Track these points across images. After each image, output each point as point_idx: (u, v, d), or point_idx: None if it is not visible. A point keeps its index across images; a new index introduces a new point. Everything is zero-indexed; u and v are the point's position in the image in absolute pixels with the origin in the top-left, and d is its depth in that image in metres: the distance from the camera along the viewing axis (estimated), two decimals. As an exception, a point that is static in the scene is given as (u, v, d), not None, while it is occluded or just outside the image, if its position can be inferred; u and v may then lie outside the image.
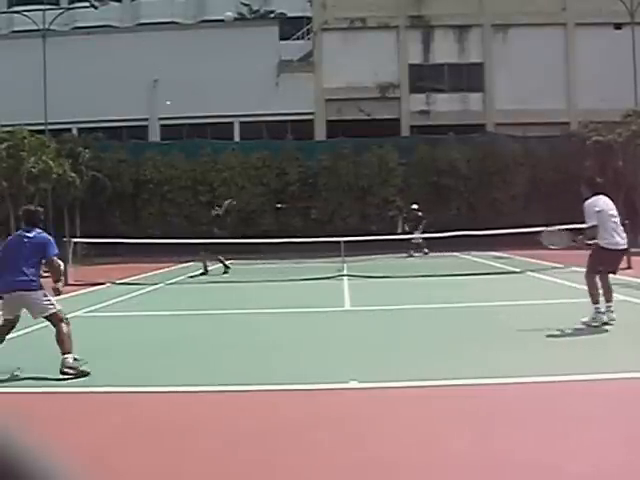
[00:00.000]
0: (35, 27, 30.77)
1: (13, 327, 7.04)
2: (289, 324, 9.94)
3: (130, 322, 10.58)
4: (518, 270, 17.00)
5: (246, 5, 40.75)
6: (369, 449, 4.28)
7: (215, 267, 18.66)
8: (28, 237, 6.98)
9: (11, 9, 40.00)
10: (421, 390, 5.67)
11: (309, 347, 8.00)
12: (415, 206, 24.80)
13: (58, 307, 6.91)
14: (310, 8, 35.37)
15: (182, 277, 17.91)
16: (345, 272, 17.08)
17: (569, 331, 8.44)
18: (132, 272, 18.82)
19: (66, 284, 16.22)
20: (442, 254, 21.79)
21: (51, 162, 25.21)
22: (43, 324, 9.98)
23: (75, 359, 6.69)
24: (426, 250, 23.40)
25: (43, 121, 28.58)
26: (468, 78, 33.67)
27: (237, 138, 33.17)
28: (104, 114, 31.64)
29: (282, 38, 34.62)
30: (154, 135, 33.81)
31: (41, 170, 24.74)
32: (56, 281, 7.05)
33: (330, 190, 29.10)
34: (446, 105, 33.17)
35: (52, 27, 31.07)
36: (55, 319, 6.84)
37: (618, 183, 27.73)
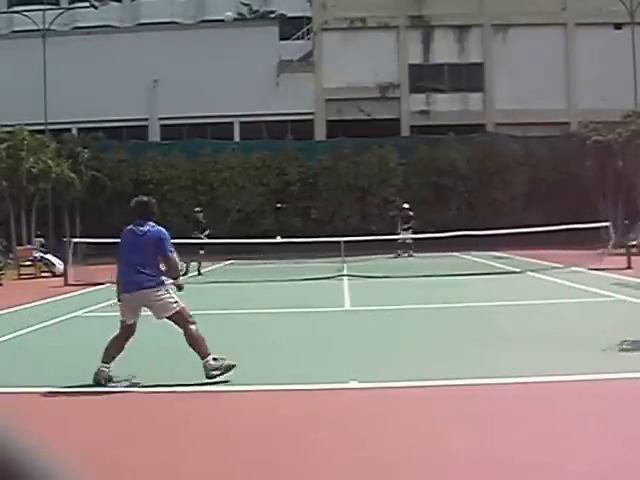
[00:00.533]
0: (35, 27, 30.76)
1: (132, 333, 6.55)
2: (289, 324, 9.94)
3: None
4: (518, 270, 17.00)
5: (246, 5, 40.75)
6: (369, 449, 4.28)
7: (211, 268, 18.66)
8: (142, 232, 6.60)
9: (11, 9, 39.98)
10: (421, 390, 5.67)
11: (309, 347, 8.00)
12: (406, 205, 24.79)
13: (181, 304, 6.42)
14: (310, 8, 35.37)
15: (182, 277, 17.87)
16: (345, 272, 17.07)
17: (569, 331, 8.44)
18: (132, 272, 18.79)
19: (66, 284, 16.29)
20: (442, 254, 21.78)
21: (50, 162, 25.22)
22: (30, 329, 9.99)
23: (214, 359, 6.22)
24: (411, 252, 23.25)
25: (43, 121, 28.58)
26: (468, 78, 33.67)
27: (237, 138, 33.16)
28: (104, 114, 31.63)
29: (282, 38, 34.61)
30: (154, 135, 33.80)
31: (41, 170, 24.74)
32: (174, 278, 6.68)
33: (330, 190, 29.11)
34: (446, 105, 33.17)
35: (52, 27, 31.06)
36: (181, 319, 6.37)
37: (618, 183, 27.78)
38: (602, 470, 3.83)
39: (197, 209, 20.07)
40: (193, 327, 6.36)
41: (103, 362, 6.27)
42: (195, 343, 6.27)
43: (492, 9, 33.08)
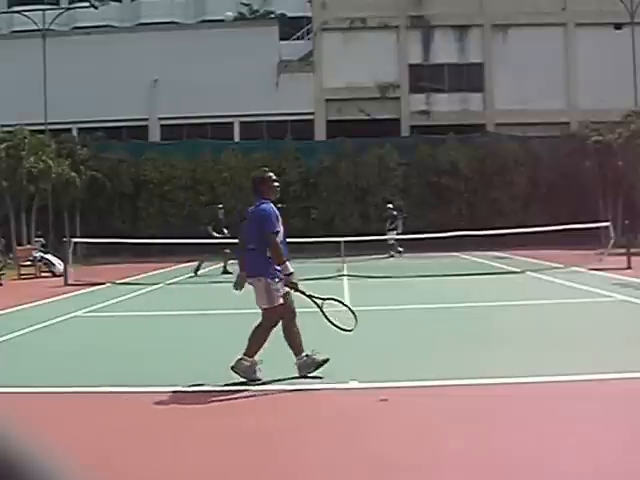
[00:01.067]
0: (35, 27, 30.77)
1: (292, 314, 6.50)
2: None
3: (130, 322, 10.58)
4: (518, 270, 16.99)
5: (246, 5, 40.76)
6: (369, 449, 4.28)
7: (210, 269, 18.64)
8: (250, 211, 6.34)
9: (11, 9, 40.01)
10: (421, 390, 5.67)
11: (309, 347, 7.98)
12: (390, 205, 24.84)
13: (280, 301, 6.20)
14: (310, 8, 35.36)
15: (182, 277, 17.90)
16: (345, 272, 17.07)
17: (569, 331, 8.44)
18: (132, 272, 18.83)
19: (66, 284, 16.30)
20: (442, 254, 21.79)
21: (51, 162, 25.22)
22: (29, 329, 9.99)
23: (307, 355, 6.23)
24: (393, 252, 23.21)
25: (43, 121, 28.60)
26: (468, 78, 33.67)
27: (237, 138, 33.16)
28: (104, 114, 31.64)
29: (282, 38, 34.61)
30: (154, 135, 33.80)
31: (41, 170, 24.75)
32: (278, 264, 6.12)
33: (330, 190, 29.12)
34: (446, 105, 33.17)
35: (52, 27, 31.10)
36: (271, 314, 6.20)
37: (618, 183, 27.77)
38: (602, 470, 3.83)
39: (219, 206, 19.76)
40: (294, 325, 6.41)
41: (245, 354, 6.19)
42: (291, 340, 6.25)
43: (492, 9, 33.08)
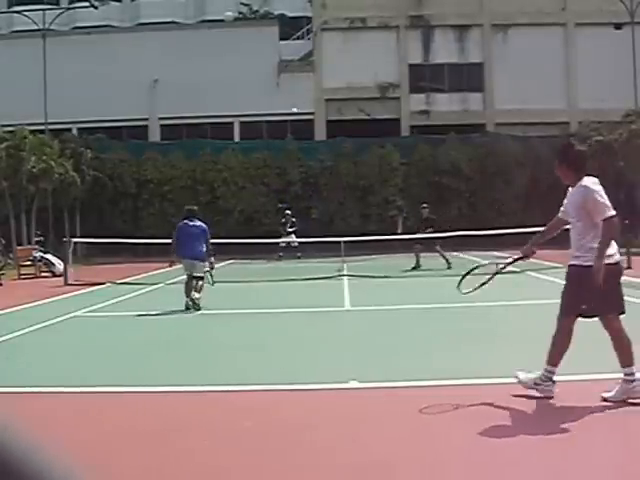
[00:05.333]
0: (35, 27, 30.77)
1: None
2: (289, 324, 9.95)
3: (130, 322, 10.57)
4: (518, 270, 16.96)
5: (246, 5, 40.75)
6: (369, 449, 4.28)
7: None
8: (195, 225, 11.70)
9: (11, 9, 40.01)
10: (421, 390, 5.67)
11: (309, 347, 8.00)
12: (289, 212, 25.44)
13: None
14: (310, 8, 35.38)
15: (183, 277, 17.87)
16: (345, 272, 17.07)
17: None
18: (132, 272, 18.83)
19: (66, 284, 16.30)
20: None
21: (52, 162, 25.21)
22: (29, 329, 9.99)
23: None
24: (280, 254, 23.68)
25: (43, 121, 28.60)
26: (468, 78, 33.67)
27: (237, 138, 33.17)
28: (104, 114, 31.65)
29: (282, 38, 34.62)
30: (154, 135, 33.81)
31: (42, 170, 24.74)
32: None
33: (331, 190, 29.12)
34: (446, 105, 33.18)
35: (52, 27, 31.08)
36: None
37: (618, 183, 27.76)
38: (602, 470, 3.83)
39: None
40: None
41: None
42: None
43: (492, 9, 33.10)
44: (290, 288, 14.87)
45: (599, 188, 5.10)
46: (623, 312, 5.19)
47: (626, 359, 5.03)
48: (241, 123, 33.58)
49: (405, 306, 11.32)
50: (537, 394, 5.25)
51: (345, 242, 18.70)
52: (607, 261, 5.00)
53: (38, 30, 30.35)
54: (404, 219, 25.31)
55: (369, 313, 10.84)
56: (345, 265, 18.10)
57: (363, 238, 19.72)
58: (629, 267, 15.83)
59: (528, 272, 16.41)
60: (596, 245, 4.98)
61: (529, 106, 31.30)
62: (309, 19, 35.65)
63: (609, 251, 5.04)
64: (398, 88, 33.58)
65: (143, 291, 15.01)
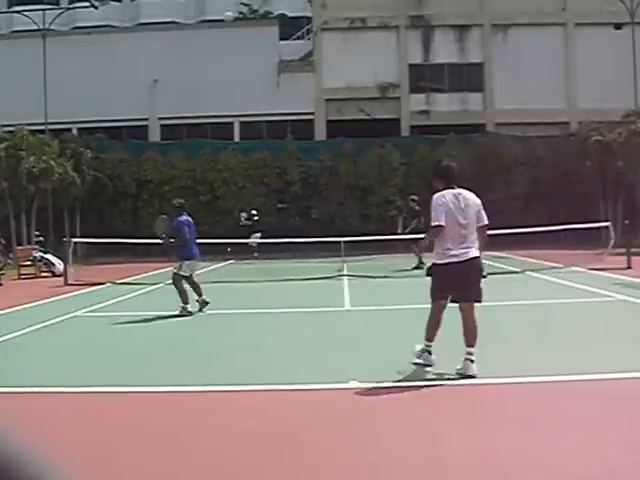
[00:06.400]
0: (35, 27, 30.77)
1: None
2: (289, 324, 9.95)
3: (130, 322, 10.57)
4: (518, 270, 16.99)
5: (246, 5, 40.76)
6: (369, 449, 4.28)
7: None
8: (193, 223, 11.44)
9: (11, 9, 40.01)
10: (421, 390, 5.67)
11: (309, 347, 8.00)
12: (254, 212, 25.82)
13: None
14: (310, 8, 35.37)
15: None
16: (345, 272, 17.07)
17: (569, 331, 8.44)
18: (132, 272, 18.83)
19: (66, 284, 16.30)
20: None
21: (52, 162, 25.21)
22: (29, 329, 10.00)
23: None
24: (256, 254, 24.14)
25: (43, 121, 28.60)
26: (468, 78, 33.66)
27: (237, 138, 33.17)
28: (104, 114, 31.65)
29: (282, 38, 34.61)
30: (154, 135, 33.80)
31: (42, 170, 24.74)
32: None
33: (331, 190, 29.13)
34: (446, 105, 33.17)
35: (52, 27, 31.08)
36: None
37: (618, 183, 27.78)
38: (602, 471, 3.82)
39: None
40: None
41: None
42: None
43: (492, 9, 33.09)
44: (290, 288, 14.87)
45: (442, 201, 6.27)
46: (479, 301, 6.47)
47: (472, 340, 6.26)
48: (241, 123, 33.57)
49: (405, 306, 11.31)
50: (421, 361, 6.38)
51: (345, 242, 18.70)
52: (454, 260, 6.18)
53: (38, 30, 30.34)
54: (404, 219, 25.28)
55: (369, 313, 10.84)
56: (345, 265, 18.10)
57: (363, 238, 19.72)
58: (629, 267, 15.84)
59: (528, 272, 16.42)
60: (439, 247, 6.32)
61: (529, 106, 31.29)
62: (309, 19, 35.64)
63: (448, 252, 6.21)
64: (398, 88, 33.57)
65: (143, 291, 15.01)
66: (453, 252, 6.20)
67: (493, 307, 10.90)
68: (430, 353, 6.43)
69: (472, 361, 6.09)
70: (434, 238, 6.31)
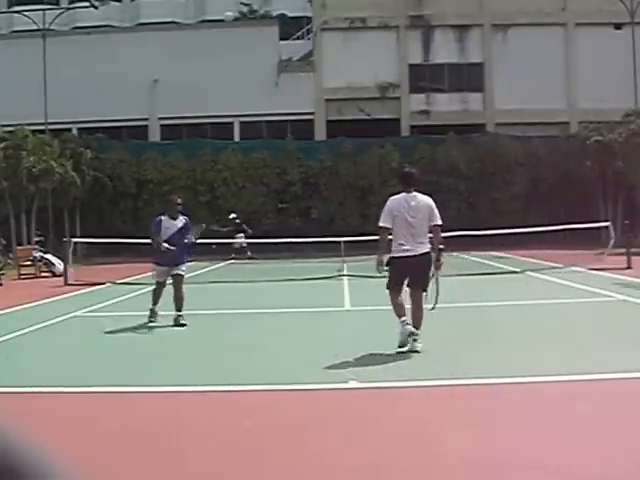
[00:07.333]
0: (35, 27, 30.77)
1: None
2: (289, 324, 9.95)
3: (130, 322, 10.57)
4: (518, 270, 16.99)
5: (246, 5, 40.76)
6: (369, 449, 4.28)
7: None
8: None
9: (11, 9, 40.02)
10: (421, 390, 5.67)
11: (309, 347, 8.00)
12: (233, 215, 26.00)
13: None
14: (310, 8, 35.37)
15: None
16: (345, 272, 17.07)
17: (569, 331, 8.44)
18: (132, 272, 18.82)
19: (66, 284, 16.29)
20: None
21: (52, 162, 25.21)
22: (29, 329, 9.99)
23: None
24: (249, 253, 24.39)
25: (43, 121, 28.60)
26: (468, 78, 33.66)
27: (237, 138, 33.17)
28: (104, 114, 31.65)
29: (282, 38, 34.62)
30: (154, 135, 33.80)
31: (42, 170, 24.73)
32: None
33: (331, 190, 29.13)
34: (446, 105, 33.17)
35: (52, 27, 31.09)
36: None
37: (618, 183, 27.78)
38: (602, 471, 3.82)
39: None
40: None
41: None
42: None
43: (492, 9, 33.09)
44: (290, 288, 14.86)
45: (389, 205, 7.45)
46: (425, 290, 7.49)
47: (418, 323, 7.29)
48: (241, 123, 33.58)
49: (405, 306, 11.30)
50: (405, 335, 7.12)
51: (345, 242, 18.69)
52: (403, 254, 7.30)
53: (38, 30, 30.36)
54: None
55: (369, 313, 10.84)
56: (345, 265, 18.09)
57: (363, 238, 19.70)
58: (629, 267, 15.84)
59: (528, 272, 16.42)
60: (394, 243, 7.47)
61: (529, 106, 31.29)
62: (309, 19, 35.64)
63: (401, 247, 7.34)
64: (398, 88, 33.57)
65: (143, 291, 14.98)
66: (405, 247, 7.26)
67: (493, 307, 10.92)
68: (408, 324, 7.25)
69: (415, 340, 7.08)
70: (380, 236, 7.57)
